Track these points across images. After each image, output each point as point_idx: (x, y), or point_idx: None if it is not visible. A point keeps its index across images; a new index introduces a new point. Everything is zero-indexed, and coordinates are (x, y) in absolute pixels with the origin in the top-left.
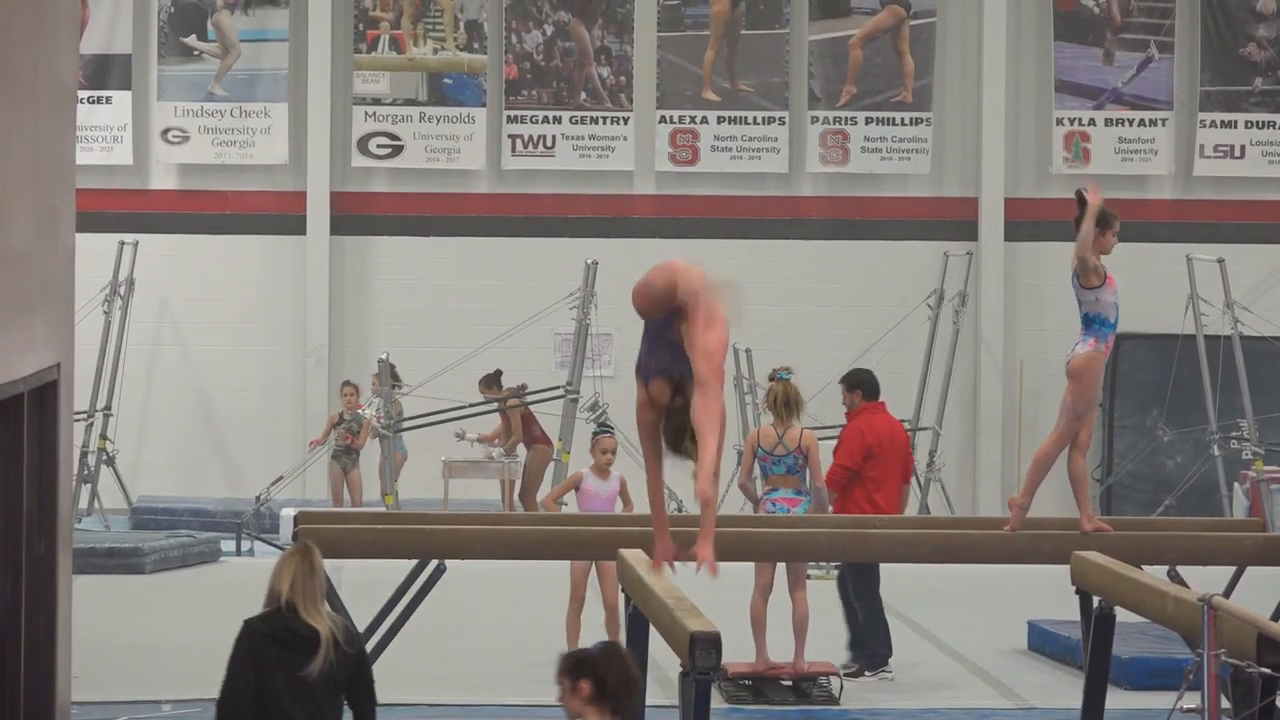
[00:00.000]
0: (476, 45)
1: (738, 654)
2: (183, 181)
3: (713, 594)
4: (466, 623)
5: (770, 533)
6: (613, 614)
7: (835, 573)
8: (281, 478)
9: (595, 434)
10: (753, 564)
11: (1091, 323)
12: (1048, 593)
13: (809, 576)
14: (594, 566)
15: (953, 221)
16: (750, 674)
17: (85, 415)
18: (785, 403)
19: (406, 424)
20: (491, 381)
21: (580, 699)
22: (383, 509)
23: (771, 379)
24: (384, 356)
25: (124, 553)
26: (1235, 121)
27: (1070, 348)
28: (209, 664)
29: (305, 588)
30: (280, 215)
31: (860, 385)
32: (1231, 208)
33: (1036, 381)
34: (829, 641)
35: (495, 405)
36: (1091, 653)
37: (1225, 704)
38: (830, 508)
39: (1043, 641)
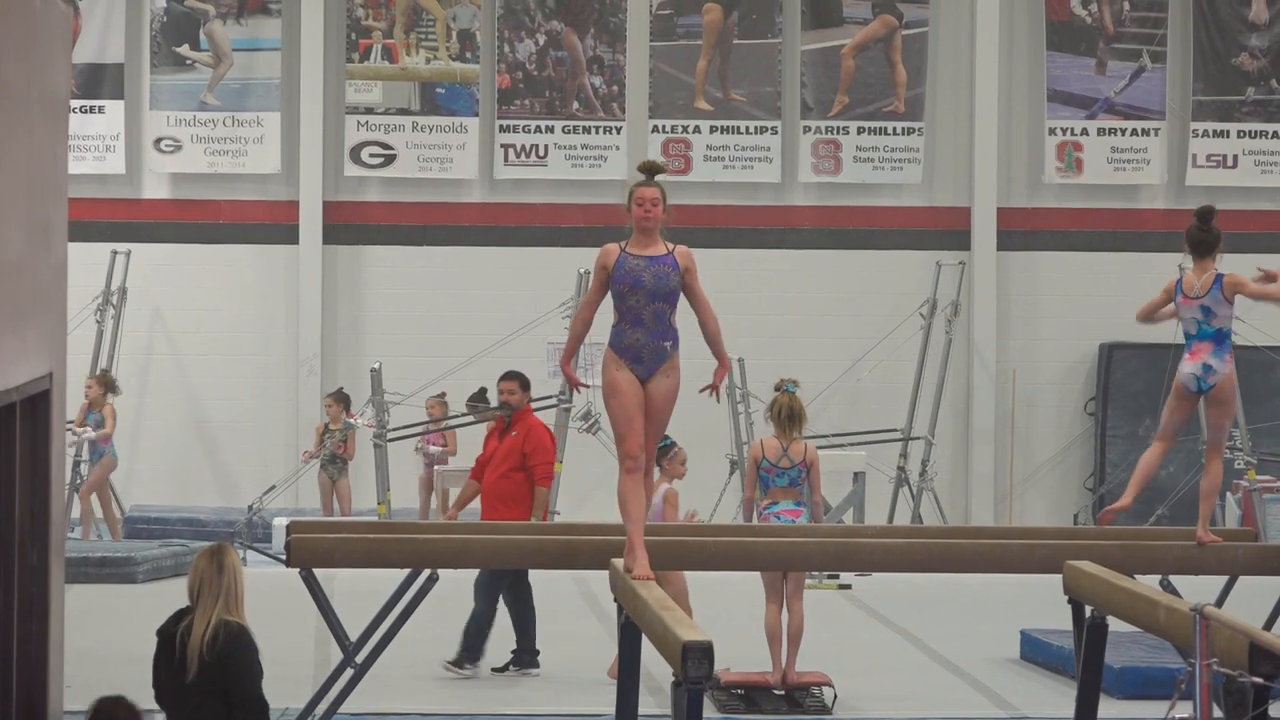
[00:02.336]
0: (469, 55)
1: (733, 663)
2: (175, 191)
3: (713, 605)
4: (459, 632)
5: (763, 542)
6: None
7: (827, 582)
8: (274, 487)
9: (671, 446)
10: (748, 574)
11: (1226, 338)
12: (1040, 602)
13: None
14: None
15: (945, 231)
16: (744, 683)
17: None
18: (789, 415)
19: (398, 432)
20: (479, 399)
21: None
22: (375, 518)
23: (777, 389)
24: (376, 366)
25: (116, 562)
26: (1228, 131)
27: (1198, 368)
28: None
29: (207, 588)
30: (273, 224)
31: (528, 386)
32: (1224, 217)
33: (1029, 391)
34: (823, 651)
35: (483, 418)
36: (1084, 662)
37: (1218, 713)
38: (821, 517)
39: (1035, 651)
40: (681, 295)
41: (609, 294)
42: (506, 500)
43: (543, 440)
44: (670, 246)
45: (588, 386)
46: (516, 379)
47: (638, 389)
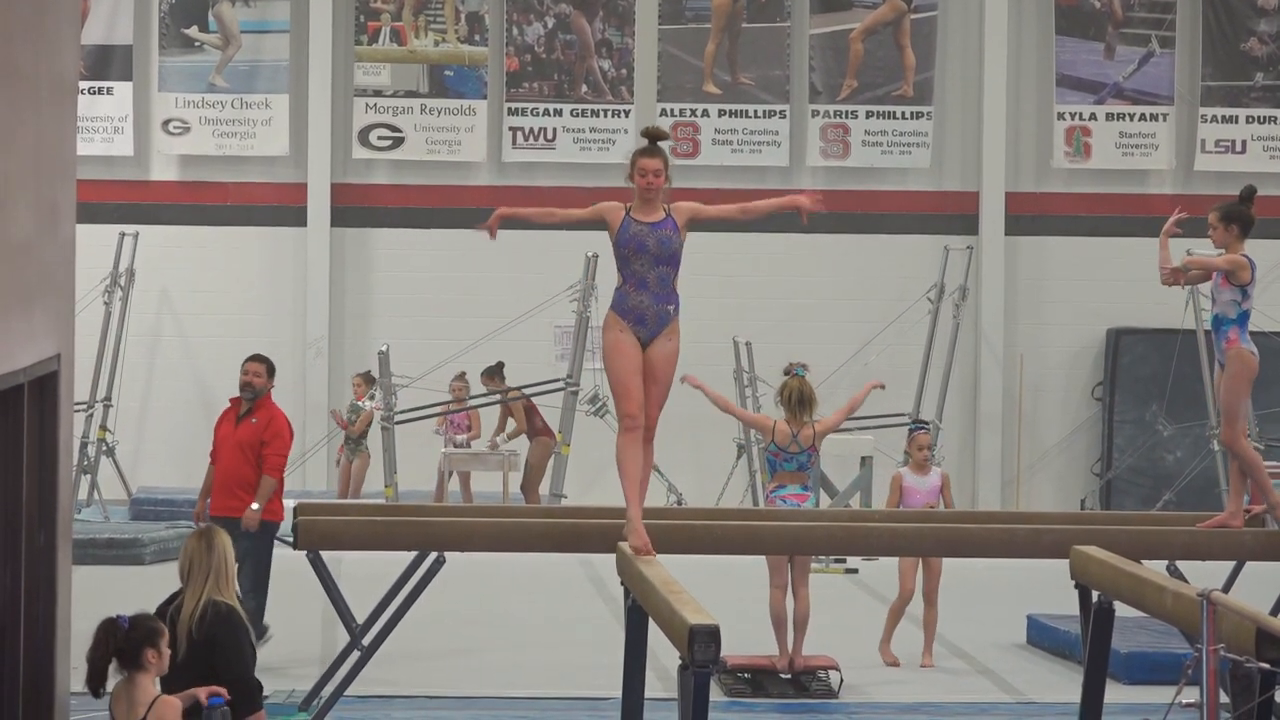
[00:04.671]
0: (477, 37)
1: (739, 647)
2: (183, 173)
3: (719, 588)
4: (465, 615)
5: (769, 525)
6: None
7: (834, 567)
8: None
9: (911, 430)
10: (758, 559)
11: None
12: (1047, 587)
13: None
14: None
15: (953, 215)
16: (750, 667)
17: (85, 406)
18: (800, 400)
19: (406, 415)
20: (494, 373)
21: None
22: (382, 501)
23: (787, 373)
24: (384, 349)
25: (123, 543)
26: (1236, 116)
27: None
28: None
29: (198, 567)
30: (281, 207)
31: (274, 372)
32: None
33: (1036, 376)
34: (829, 635)
35: (495, 398)
36: (1090, 647)
37: (1224, 699)
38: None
39: (1042, 636)
40: (682, 258)
41: (613, 255)
42: (248, 487)
43: (281, 430)
44: (667, 209)
45: (490, 233)
46: (264, 362)
47: (637, 351)
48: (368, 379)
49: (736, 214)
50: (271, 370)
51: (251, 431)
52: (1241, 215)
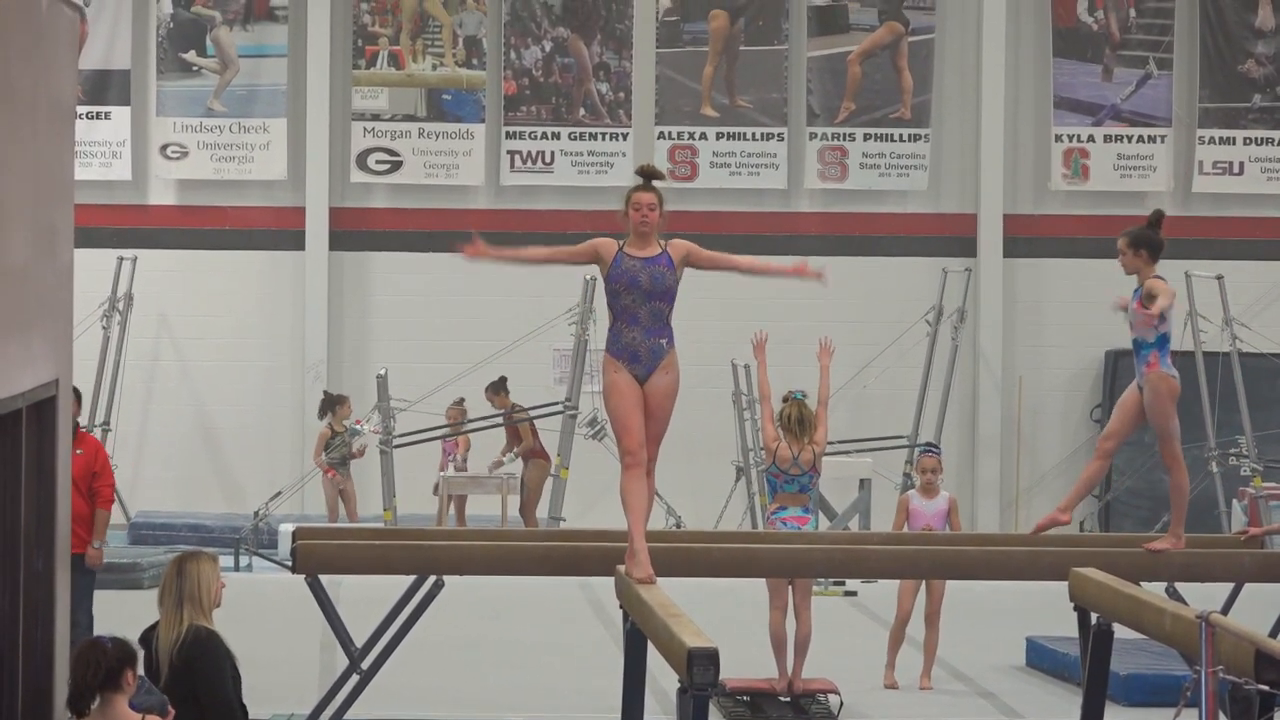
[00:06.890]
0: (475, 61)
1: (738, 670)
2: (181, 197)
3: (717, 611)
4: (464, 638)
5: (768, 549)
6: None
7: (833, 589)
8: (280, 493)
9: (919, 453)
10: (757, 581)
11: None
12: (1046, 609)
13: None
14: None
15: (951, 238)
16: (749, 690)
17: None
18: (799, 422)
19: (404, 439)
20: (498, 388)
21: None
22: (381, 524)
23: (786, 400)
24: (382, 372)
25: (122, 568)
26: (1234, 138)
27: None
28: None
29: (167, 593)
30: (279, 231)
31: (80, 398)
32: (1230, 224)
33: (1035, 398)
34: (829, 658)
35: (496, 420)
36: (1089, 669)
37: None
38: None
39: (1041, 658)
40: (678, 293)
41: (604, 292)
42: (81, 521)
43: (108, 462)
44: (663, 245)
45: (468, 253)
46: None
47: (636, 389)
48: (340, 400)
49: (736, 265)
50: (79, 396)
51: (80, 464)
52: (1150, 240)
